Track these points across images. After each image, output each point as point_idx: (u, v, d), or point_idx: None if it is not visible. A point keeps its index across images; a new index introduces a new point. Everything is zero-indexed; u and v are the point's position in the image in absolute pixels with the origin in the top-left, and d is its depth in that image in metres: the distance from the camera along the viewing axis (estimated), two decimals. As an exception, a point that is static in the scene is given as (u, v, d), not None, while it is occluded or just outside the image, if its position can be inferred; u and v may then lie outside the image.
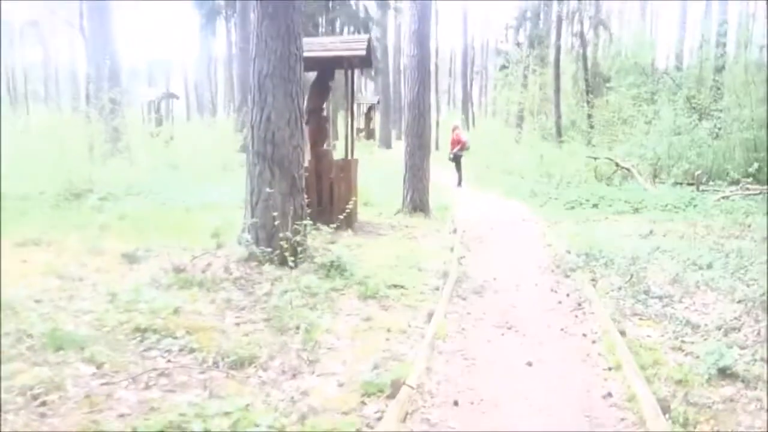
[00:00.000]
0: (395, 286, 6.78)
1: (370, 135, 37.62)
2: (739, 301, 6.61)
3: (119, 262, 6.84)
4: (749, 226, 11.09)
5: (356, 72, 38.23)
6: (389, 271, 7.45)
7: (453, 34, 53.67)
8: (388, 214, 12.17)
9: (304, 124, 7.33)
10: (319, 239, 8.40)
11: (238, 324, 5.40)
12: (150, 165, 16.75)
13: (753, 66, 23.27)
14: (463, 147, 18.88)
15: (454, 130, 19.55)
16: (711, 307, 6.43)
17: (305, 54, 10.05)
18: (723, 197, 13.54)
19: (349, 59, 10.14)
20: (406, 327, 5.50)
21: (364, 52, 9.91)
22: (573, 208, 13.60)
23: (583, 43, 26.32)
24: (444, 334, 5.30)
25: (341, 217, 8.67)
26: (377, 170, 19.18)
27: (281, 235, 6.79)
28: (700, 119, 18.68)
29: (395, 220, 11.58)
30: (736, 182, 15.14)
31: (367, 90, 51.49)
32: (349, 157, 10.79)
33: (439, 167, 20.99)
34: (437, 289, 6.82)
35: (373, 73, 32.62)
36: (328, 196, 10.30)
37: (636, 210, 13.04)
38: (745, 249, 9.03)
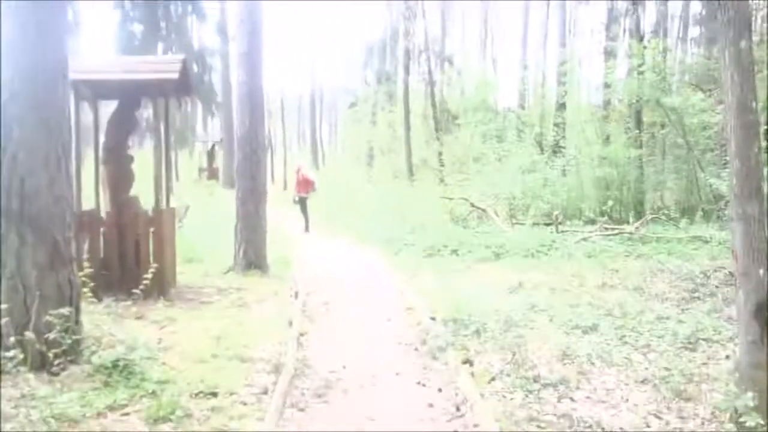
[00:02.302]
0: (205, 393, 4.80)
1: (213, 174, 35.09)
2: (643, 381, 5.36)
3: None
4: (617, 271, 10.27)
5: (199, 107, 35.87)
6: (202, 366, 5.45)
7: (300, 72, 52.35)
8: (219, 272, 10.10)
9: (71, 166, 5.21)
10: (109, 321, 6.25)
11: None
12: None
13: (591, 105, 23.88)
14: (310, 188, 17.17)
15: (298, 171, 17.81)
16: (616, 393, 5.07)
17: (102, 77, 8.00)
18: (583, 239, 12.81)
19: (160, 84, 8.09)
20: (206, 481, 3.56)
21: (176, 75, 7.91)
22: (431, 255, 12.23)
23: (431, 80, 25.77)
24: (264, 495, 3.42)
25: (137, 290, 6.58)
26: (216, 214, 16.93)
27: (23, 334, 4.60)
28: (550, 157, 18.34)
29: (226, 280, 9.52)
30: (591, 221, 14.64)
31: (212, 127, 48.68)
32: (163, 206, 8.64)
33: (286, 210, 19.20)
34: (266, 393, 4.92)
35: (213, 108, 30.12)
36: (133, 257, 8.09)
37: (497, 256, 11.91)
38: (624, 302, 7.98)
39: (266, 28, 10.62)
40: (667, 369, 5.62)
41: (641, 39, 17.31)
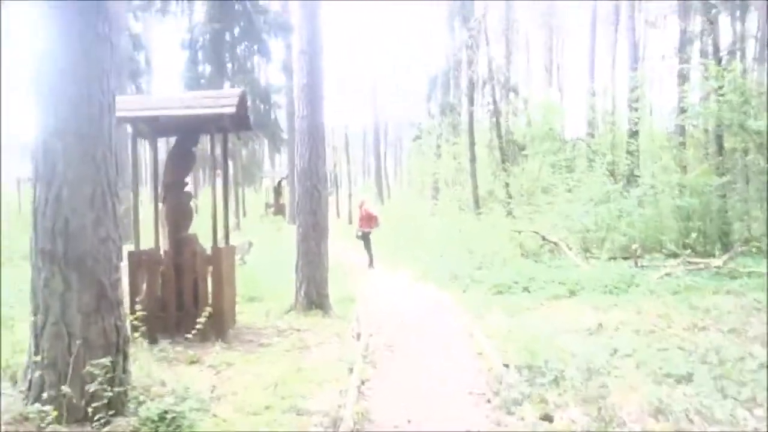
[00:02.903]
0: (255, 453, 4.40)
1: (279, 210, 35.32)
2: (754, 443, 4.64)
3: None
4: (708, 311, 9.39)
5: (266, 143, 36.38)
6: (255, 418, 5.06)
7: (364, 107, 52.74)
8: (280, 311, 9.76)
9: (118, 204, 4.94)
10: (161, 367, 5.98)
11: None
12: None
13: (666, 131, 22.79)
14: (373, 223, 16.80)
15: (361, 205, 17.54)
16: (723, 459, 4.39)
17: (159, 113, 7.88)
18: (666, 274, 11.91)
19: (217, 119, 7.91)
20: None
21: (234, 109, 7.70)
22: (501, 293, 11.58)
23: (496, 110, 25.23)
24: None
25: (189, 334, 6.31)
26: (280, 250, 16.78)
27: (60, 386, 4.33)
28: (624, 187, 17.43)
29: (286, 321, 9.17)
30: (673, 255, 13.67)
31: (279, 163, 49.45)
32: (222, 245, 8.40)
33: (350, 245, 18.91)
34: (321, 453, 4.47)
35: (279, 144, 30.39)
36: (191, 297, 7.85)
37: (572, 293, 11.17)
38: (719, 346, 7.18)
39: (328, 62, 10.44)
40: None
41: (719, 61, 16.34)
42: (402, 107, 48.09)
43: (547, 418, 5.11)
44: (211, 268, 7.97)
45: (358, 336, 8.09)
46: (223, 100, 8.06)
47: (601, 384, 5.98)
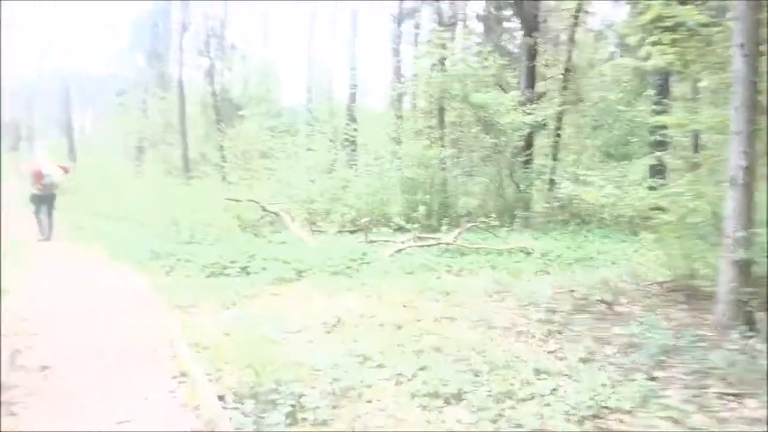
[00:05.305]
0: None
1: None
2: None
3: None
4: (448, 294, 8.40)
5: None
6: None
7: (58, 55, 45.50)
8: None
9: None
10: None
11: None
12: None
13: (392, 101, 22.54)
14: (39, 180, 13.14)
15: (29, 164, 13.92)
16: None
17: None
18: (397, 250, 10.91)
19: None
20: None
21: None
22: (215, 274, 9.46)
23: (211, 64, 22.67)
24: None
25: None
26: None
27: None
28: (349, 155, 16.43)
29: None
30: (400, 229, 12.90)
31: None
32: None
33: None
34: None
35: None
36: None
37: (300, 274, 9.53)
38: (480, 346, 6.00)
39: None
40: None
41: (447, 28, 16.06)
42: (105, 58, 42.48)
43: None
44: None
45: (-6, 356, 5.31)
46: None
47: (355, 415, 4.31)
